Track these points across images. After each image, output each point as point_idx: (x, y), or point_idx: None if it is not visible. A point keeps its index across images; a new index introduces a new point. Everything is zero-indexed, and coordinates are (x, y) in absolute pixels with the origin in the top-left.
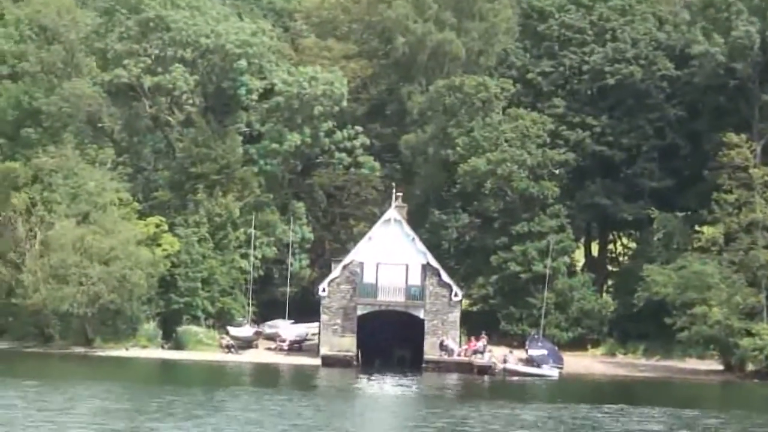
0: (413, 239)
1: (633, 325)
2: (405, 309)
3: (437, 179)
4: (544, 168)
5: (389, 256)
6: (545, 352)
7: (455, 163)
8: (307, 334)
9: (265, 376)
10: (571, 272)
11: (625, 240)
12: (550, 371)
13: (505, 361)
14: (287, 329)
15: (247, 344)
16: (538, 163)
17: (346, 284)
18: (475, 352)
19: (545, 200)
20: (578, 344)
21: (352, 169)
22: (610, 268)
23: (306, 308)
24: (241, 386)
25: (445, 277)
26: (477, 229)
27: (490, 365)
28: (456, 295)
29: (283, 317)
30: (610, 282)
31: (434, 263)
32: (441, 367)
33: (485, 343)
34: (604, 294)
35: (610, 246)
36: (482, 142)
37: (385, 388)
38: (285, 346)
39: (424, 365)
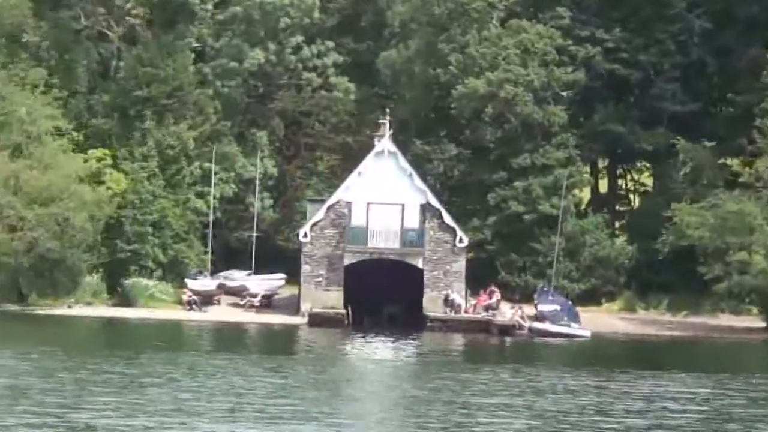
0: (410, 175)
1: (654, 274)
2: (401, 257)
3: (423, 104)
4: (548, 90)
5: (382, 195)
6: (557, 307)
7: (446, 86)
8: (276, 288)
9: (248, 338)
10: (580, 213)
11: (636, 175)
12: (582, 331)
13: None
14: (256, 283)
15: (207, 300)
16: (541, 84)
17: (332, 228)
18: (488, 308)
19: (550, 128)
20: (590, 297)
21: (322, 92)
22: (619, 207)
23: (267, 256)
24: (229, 351)
25: (447, 219)
26: (469, 162)
27: (514, 324)
28: (461, 240)
29: (246, 267)
30: (619, 224)
31: (435, 203)
32: (449, 326)
33: (499, 297)
34: (616, 239)
35: (621, 182)
36: (479, 59)
37: (390, 353)
38: (256, 302)
39: (429, 323)
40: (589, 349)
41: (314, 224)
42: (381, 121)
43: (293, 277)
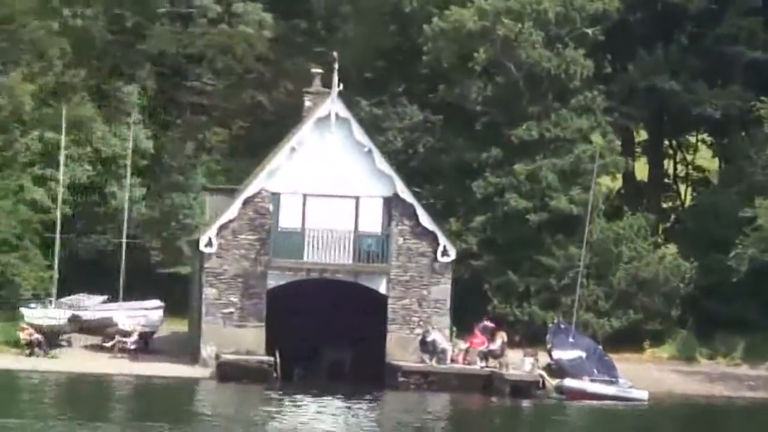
0: (370, 152)
1: (723, 306)
2: (353, 277)
3: (374, 46)
4: (565, 26)
5: (327, 184)
6: (582, 354)
7: (412, 18)
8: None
9: (121, 399)
10: (611, 212)
11: (691, 154)
12: (636, 392)
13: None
14: (127, 315)
15: (52, 340)
16: (557, 17)
17: (249, 233)
18: (487, 355)
19: (568, 83)
20: (627, 339)
21: (223, 26)
22: (666, 203)
23: (137, 274)
24: (92, 419)
25: (425, 220)
26: (442, 132)
27: (536, 380)
28: (446, 252)
29: (104, 289)
30: (663, 227)
31: (407, 196)
32: (432, 381)
33: (505, 339)
34: (664, 250)
35: (668, 164)
36: None
37: (339, 426)
38: (131, 343)
39: (401, 378)
40: (656, 421)
41: (223, 227)
42: (315, 70)
43: (180, 306)
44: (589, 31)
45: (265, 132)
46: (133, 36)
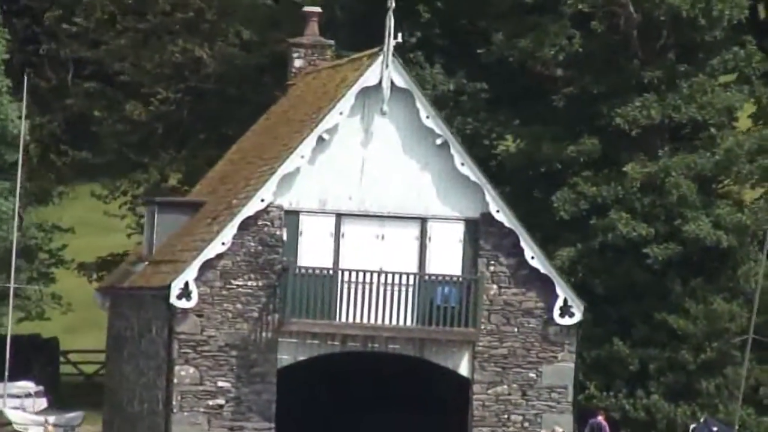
0: (444, 145)
1: None
2: (417, 351)
3: None
4: None
5: (375, 197)
6: None
7: None
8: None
9: None
10: None
11: None
12: None
13: None
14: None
15: None
16: None
17: (251, 276)
18: None
19: (708, 31)
20: None
21: None
22: None
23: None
24: None
25: (534, 256)
26: (492, 109)
27: None
28: (567, 310)
29: None
30: None
31: (506, 216)
32: None
33: None
34: None
35: None
36: None
37: None
38: None
39: None
40: None
41: (207, 266)
42: (309, 8)
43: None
44: None
45: (207, 108)
46: None
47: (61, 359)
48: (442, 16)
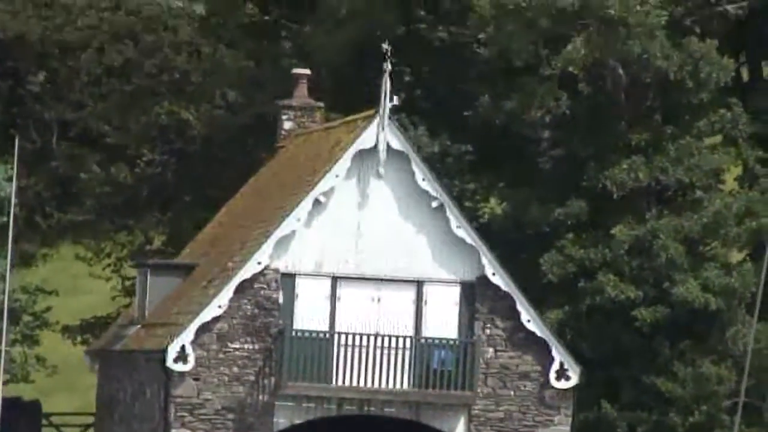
0: (441, 207)
1: None
2: (413, 414)
3: (377, 30)
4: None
5: (371, 260)
6: None
7: None
8: None
9: None
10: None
11: None
12: None
13: None
14: None
15: None
16: None
17: (247, 339)
18: None
19: (696, 93)
20: None
21: None
22: None
23: None
24: None
25: (530, 319)
26: (477, 170)
27: None
28: (563, 374)
29: None
30: None
31: (501, 280)
32: None
33: None
34: None
35: None
36: None
37: None
38: None
39: None
40: None
41: (204, 329)
42: (298, 71)
43: None
44: (731, 8)
45: (192, 170)
46: None
47: (43, 422)
48: (424, 78)
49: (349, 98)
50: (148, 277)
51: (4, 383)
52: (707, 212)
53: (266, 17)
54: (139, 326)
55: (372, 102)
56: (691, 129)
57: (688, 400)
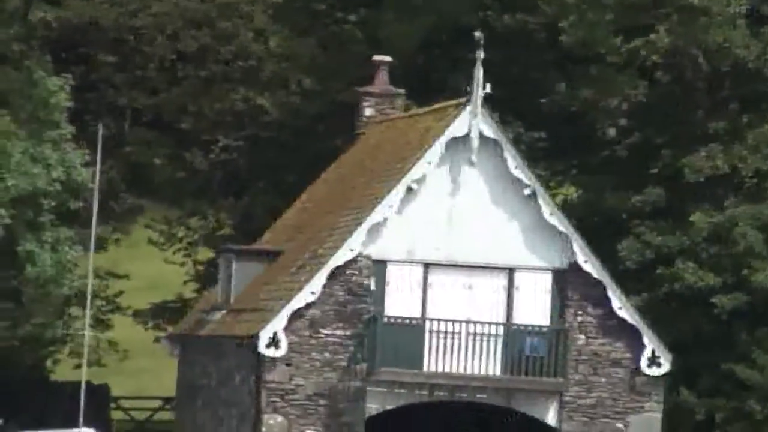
0: (533, 195)
1: None
2: (504, 400)
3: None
4: None
5: (463, 247)
6: None
7: None
8: None
9: None
10: None
11: None
12: None
13: None
14: None
15: None
16: None
17: (339, 325)
18: None
19: None
20: None
21: None
22: None
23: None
24: None
25: (622, 306)
26: (551, 157)
27: None
28: (655, 361)
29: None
30: None
31: (593, 267)
32: None
33: None
34: None
35: None
36: None
37: None
38: None
39: None
40: None
41: (296, 315)
42: (379, 58)
43: None
44: None
45: (267, 159)
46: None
47: (112, 405)
48: (494, 66)
49: (422, 86)
50: (234, 263)
51: (77, 367)
52: None
53: (337, 4)
54: (224, 312)
55: (443, 90)
56: (765, 117)
57: (767, 387)
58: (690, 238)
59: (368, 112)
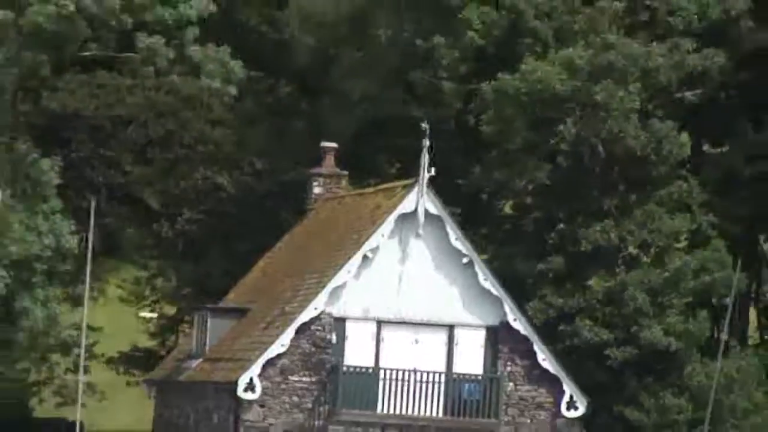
0: (470, 263)
1: None
2: None
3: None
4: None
5: (410, 307)
6: None
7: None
8: None
9: None
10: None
11: None
12: None
13: None
14: None
15: None
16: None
17: (305, 373)
18: None
19: (658, 166)
20: None
21: (174, 77)
22: None
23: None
24: None
25: (546, 359)
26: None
27: None
28: (573, 405)
29: None
30: None
31: (522, 325)
32: None
33: None
34: None
35: None
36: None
37: None
38: None
39: None
40: None
41: (269, 364)
42: (327, 144)
43: None
44: (688, 95)
45: (223, 229)
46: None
47: None
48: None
49: (359, 168)
50: (209, 318)
51: (60, 405)
52: (669, 268)
53: (284, 98)
54: (200, 360)
55: (376, 173)
56: (654, 197)
57: (653, 428)
58: (587, 300)
59: (317, 190)
